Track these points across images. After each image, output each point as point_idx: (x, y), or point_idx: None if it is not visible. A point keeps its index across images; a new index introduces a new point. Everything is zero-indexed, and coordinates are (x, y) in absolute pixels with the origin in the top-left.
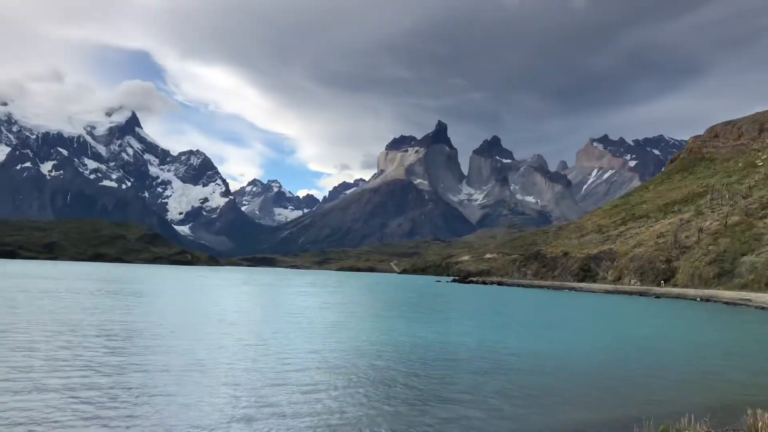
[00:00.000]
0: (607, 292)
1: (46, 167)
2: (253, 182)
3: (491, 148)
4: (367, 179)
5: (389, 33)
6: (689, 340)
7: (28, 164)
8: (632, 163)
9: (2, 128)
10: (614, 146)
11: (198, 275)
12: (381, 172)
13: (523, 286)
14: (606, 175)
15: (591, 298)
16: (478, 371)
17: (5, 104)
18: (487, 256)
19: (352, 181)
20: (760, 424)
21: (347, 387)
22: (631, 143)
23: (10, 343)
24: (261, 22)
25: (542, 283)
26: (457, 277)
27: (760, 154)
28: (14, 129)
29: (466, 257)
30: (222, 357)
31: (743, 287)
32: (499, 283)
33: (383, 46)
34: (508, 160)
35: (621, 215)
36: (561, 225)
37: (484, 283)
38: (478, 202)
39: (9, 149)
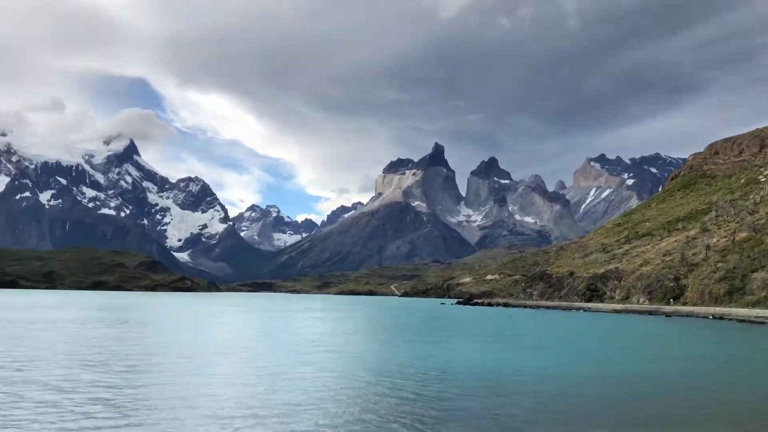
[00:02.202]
0: (616, 311)
1: (45, 196)
2: (252, 208)
3: (489, 169)
4: (365, 202)
5: (384, 57)
6: (737, 363)
7: (27, 194)
8: (630, 182)
9: (2, 158)
10: (611, 165)
11: (202, 302)
12: (379, 195)
13: (529, 307)
14: (604, 194)
15: (603, 318)
16: (539, 397)
17: (5, 135)
18: (489, 277)
19: (350, 205)
20: None
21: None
22: (628, 162)
23: (18, 380)
24: (256, 49)
25: (549, 303)
26: (461, 300)
27: (762, 170)
28: (13, 159)
29: (467, 279)
30: (242, 389)
31: (756, 304)
32: (505, 305)
33: (378, 71)
34: (506, 181)
35: (624, 234)
36: (562, 245)
37: (489, 304)
38: (476, 223)
39: (8, 179)
